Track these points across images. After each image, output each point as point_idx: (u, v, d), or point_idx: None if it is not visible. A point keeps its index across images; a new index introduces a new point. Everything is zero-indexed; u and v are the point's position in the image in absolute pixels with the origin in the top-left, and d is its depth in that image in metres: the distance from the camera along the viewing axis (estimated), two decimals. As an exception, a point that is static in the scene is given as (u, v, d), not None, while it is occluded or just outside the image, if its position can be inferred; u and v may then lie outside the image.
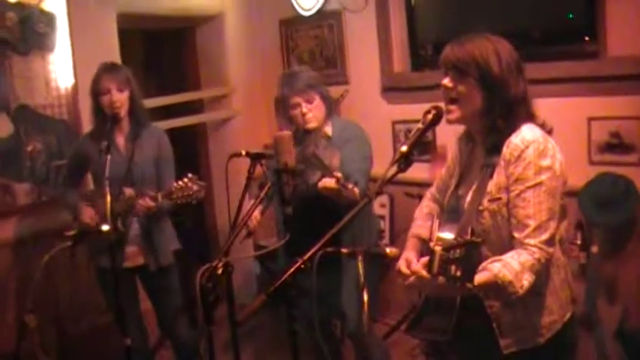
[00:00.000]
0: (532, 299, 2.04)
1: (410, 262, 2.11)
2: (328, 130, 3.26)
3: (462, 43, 2.05)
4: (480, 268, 1.90)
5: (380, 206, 4.57)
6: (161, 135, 3.51)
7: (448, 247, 1.74)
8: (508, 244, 2.00)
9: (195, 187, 3.12)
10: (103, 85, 3.28)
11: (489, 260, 1.93)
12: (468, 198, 2.10)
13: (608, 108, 3.48)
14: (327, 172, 2.95)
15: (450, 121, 2.10)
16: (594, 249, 3.46)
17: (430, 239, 2.09)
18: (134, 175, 3.34)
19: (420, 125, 2.10)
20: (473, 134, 2.21)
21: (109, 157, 3.09)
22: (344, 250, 2.14)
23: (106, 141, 3.14)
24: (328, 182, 2.85)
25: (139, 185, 3.32)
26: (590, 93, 3.54)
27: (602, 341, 3.43)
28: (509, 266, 1.89)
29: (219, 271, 2.35)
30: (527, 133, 2.00)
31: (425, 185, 3.76)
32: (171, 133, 3.67)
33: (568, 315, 2.16)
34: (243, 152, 2.82)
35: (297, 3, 4.89)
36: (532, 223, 1.95)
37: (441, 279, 1.73)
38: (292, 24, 5.06)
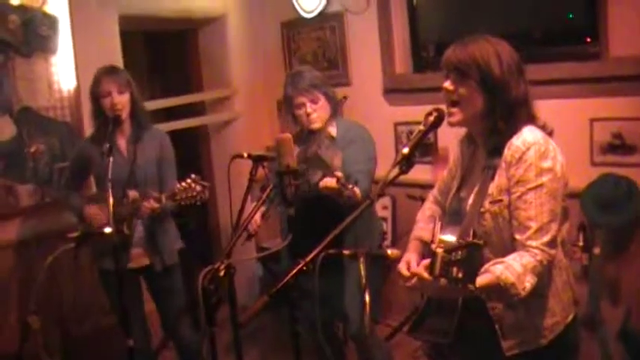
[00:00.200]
0: (534, 301, 2.04)
1: (410, 264, 2.12)
2: (332, 130, 3.27)
3: (462, 45, 2.05)
4: (482, 270, 1.90)
5: (382, 208, 4.57)
6: (163, 137, 3.52)
7: (450, 249, 1.74)
8: (510, 246, 2.00)
9: (198, 188, 3.13)
10: (104, 88, 3.28)
11: (491, 262, 1.93)
12: (470, 200, 2.11)
13: (610, 109, 3.48)
14: (329, 171, 2.95)
15: (451, 124, 2.11)
16: (596, 250, 3.46)
17: (432, 241, 2.09)
18: (137, 177, 3.35)
19: (421, 127, 2.11)
20: (474, 136, 2.21)
21: (111, 159, 3.10)
22: (346, 252, 2.14)
23: (108, 143, 3.15)
24: (329, 182, 2.86)
25: (142, 187, 3.32)
26: (592, 94, 3.54)
27: (605, 342, 3.43)
28: (512, 268, 1.89)
29: (222, 273, 2.35)
30: (528, 135, 2.00)
31: (427, 187, 3.77)
32: (174, 135, 3.68)
33: (570, 317, 2.16)
34: (246, 154, 2.83)
35: (299, 5, 4.90)
36: (534, 225, 1.95)
37: (443, 281, 1.73)
38: (294, 26, 5.06)
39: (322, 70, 4.63)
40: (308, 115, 3.20)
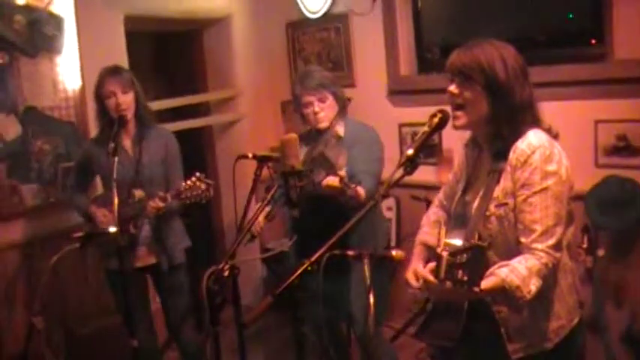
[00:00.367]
0: (539, 304, 2.04)
1: (418, 273, 2.12)
2: (340, 130, 3.27)
3: (467, 49, 2.05)
4: (488, 273, 1.90)
5: (386, 209, 4.57)
6: (169, 136, 3.52)
7: (454, 251, 1.74)
8: (515, 249, 2.00)
9: (203, 186, 3.14)
10: (107, 89, 3.29)
11: (496, 265, 1.93)
12: (475, 204, 2.10)
13: (615, 111, 3.48)
14: (333, 171, 2.96)
15: (456, 127, 2.11)
16: (601, 252, 3.46)
17: (437, 246, 2.09)
18: (142, 177, 3.36)
19: (426, 128, 2.11)
20: (479, 140, 2.21)
21: (116, 159, 3.11)
22: (350, 253, 2.14)
23: (112, 143, 3.15)
24: (332, 180, 2.87)
25: (148, 186, 3.33)
26: (596, 96, 3.54)
27: (609, 345, 3.43)
28: (517, 271, 1.89)
29: (226, 274, 2.36)
30: (533, 139, 2.00)
31: (431, 188, 3.78)
32: (178, 135, 3.68)
33: (576, 320, 2.15)
34: (250, 155, 2.84)
35: (304, 6, 4.90)
36: (539, 228, 1.95)
37: (448, 284, 1.73)
38: (299, 27, 5.06)
39: (327, 71, 4.64)
40: (315, 114, 3.21)
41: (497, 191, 2.04)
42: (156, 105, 3.93)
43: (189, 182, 3.14)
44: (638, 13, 3.35)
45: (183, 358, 3.75)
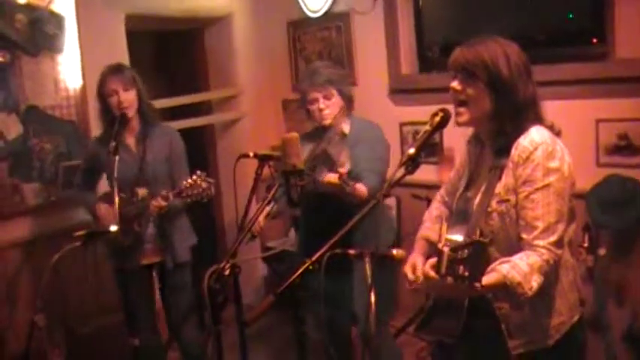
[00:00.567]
0: (541, 301, 2.04)
1: (416, 267, 2.12)
2: (346, 127, 3.27)
3: (471, 45, 2.05)
4: (489, 269, 1.90)
5: (387, 208, 4.56)
6: (173, 134, 3.52)
7: (456, 247, 1.74)
8: (516, 245, 2.00)
9: (204, 185, 3.14)
10: (109, 87, 3.29)
11: (498, 262, 1.93)
12: (477, 200, 2.11)
13: (616, 110, 3.47)
14: (334, 167, 2.96)
15: (458, 124, 2.11)
16: (602, 251, 3.46)
17: (439, 241, 2.09)
18: (146, 175, 3.35)
19: (427, 127, 2.11)
20: (481, 136, 2.21)
21: (117, 157, 3.11)
22: (351, 252, 2.14)
23: (113, 142, 3.16)
24: (331, 177, 2.87)
25: (152, 185, 3.33)
26: (598, 95, 3.54)
27: (610, 343, 3.43)
28: (518, 267, 1.89)
29: (227, 273, 2.36)
30: (535, 135, 2.00)
31: (432, 187, 3.77)
32: (180, 134, 3.68)
33: (576, 317, 2.16)
34: (251, 154, 2.84)
35: (305, 4, 4.90)
36: (540, 225, 1.95)
37: (450, 279, 1.73)
38: (300, 25, 5.06)
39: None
40: (320, 110, 3.21)
41: (499, 187, 2.04)
42: (157, 104, 3.91)
43: (190, 180, 3.15)
44: (639, 12, 3.35)
45: (184, 358, 3.75)
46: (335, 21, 4.79)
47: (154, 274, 3.57)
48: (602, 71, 3.48)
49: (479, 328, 2.10)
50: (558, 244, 1.97)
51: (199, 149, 5.45)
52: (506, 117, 2.03)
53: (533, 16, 3.67)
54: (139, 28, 4.62)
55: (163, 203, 3.21)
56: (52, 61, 4.02)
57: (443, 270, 1.74)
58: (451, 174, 2.44)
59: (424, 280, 1.98)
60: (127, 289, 3.22)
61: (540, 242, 1.94)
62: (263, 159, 2.79)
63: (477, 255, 1.72)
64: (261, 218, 3.34)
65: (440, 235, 2.05)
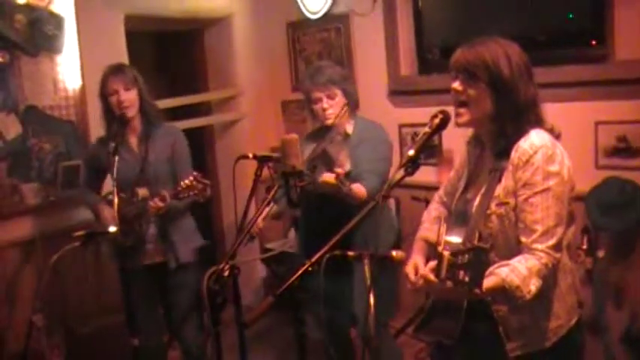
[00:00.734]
0: (539, 304, 2.04)
1: (418, 268, 2.12)
2: (349, 128, 3.27)
3: (472, 46, 2.05)
4: (488, 272, 1.89)
5: (389, 209, 4.56)
6: (177, 134, 3.50)
7: (456, 252, 1.74)
8: (515, 248, 2.00)
9: (200, 186, 3.13)
10: (110, 87, 3.29)
11: (496, 265, 1.93)
12: (476, 202, 2.10)
13: (616, 112, 3.48)
14: (332, 167, 2.95)
15: (459, 125, 2.11)
16: (601, 253, 3.46)
17: (438, 242, 2.09)
18: (148, 175, 3.34)
19: (426, 129, 2.11)
20: (481, 138, 2.21)
21: (116, 158, 3.11)
22: (350, 253, 2.14)
23: (113, 142, 3.15)
24: (328, 177, 2.86)
25: (154, 185, 3.31)
26: (597, 97, 3.54)
27: (609, 346, 3.43)
28: (517, 271, 1.89)
29: (226, 274, 2.36)
30: (535, 139, 2.00)
31: (431, 189, 3.77)
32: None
33: (574, 320, 2.15)
34: (251, 155, 2.84)
35: (305, 6, 4.90)
36: (539, 228, 1.95)
37: (449, 283, 1.73)
38: (299, 27, 5.07)
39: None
40: (324, 110, 3.20)
41: (499, 190, 2.04)
42: (157, 104, 3.91)
43: (186, 181, 3.14)
44: (639, 14, 3.35)
45: (185, 358, 3.75)
46: (334, 22, 4.79)
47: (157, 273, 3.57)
48: (602, 73, 3.49)
49: (477, 330, 2.11)
50: (557, 247, 1.97)
51: (199, 150, 5.44)
52: (507, 118, 2.03)
53: (532, 18, 3.67)
54: (138, 29, 4.62)
55: (161, 204, 3.19)
56: (51, 61, 4.02)
57: (443, 274, 1.74)
58: (450, 174, 2.44)
59: (424, 282, 1.98)
60: (129, 288, 3.21)
61: (539, 246, 1.94)
62: (262, 160, 2.79)
63: (478, 261, 1.72)
64: (259, 219, 3.35)
65: (439, 237, 2.05)
